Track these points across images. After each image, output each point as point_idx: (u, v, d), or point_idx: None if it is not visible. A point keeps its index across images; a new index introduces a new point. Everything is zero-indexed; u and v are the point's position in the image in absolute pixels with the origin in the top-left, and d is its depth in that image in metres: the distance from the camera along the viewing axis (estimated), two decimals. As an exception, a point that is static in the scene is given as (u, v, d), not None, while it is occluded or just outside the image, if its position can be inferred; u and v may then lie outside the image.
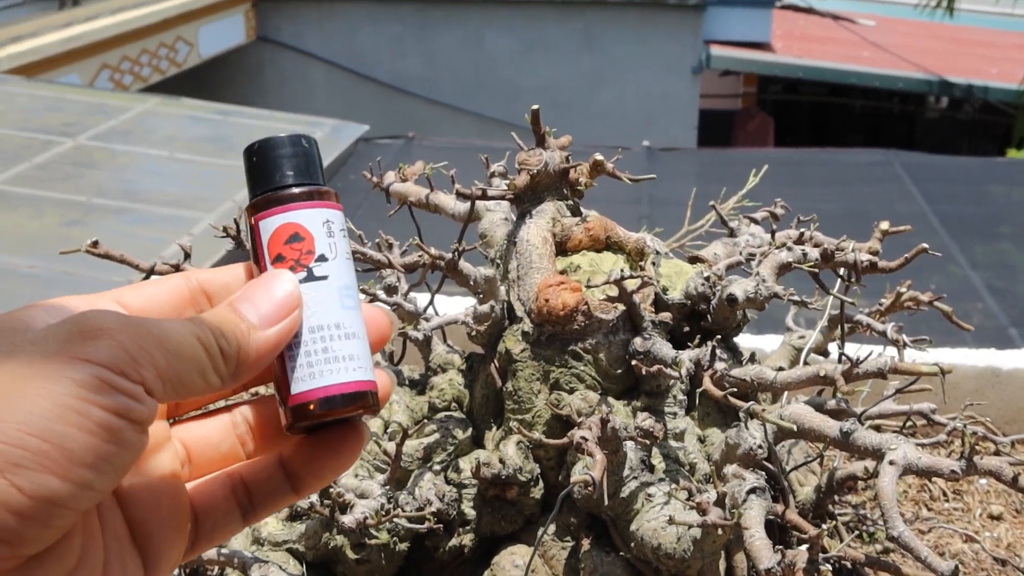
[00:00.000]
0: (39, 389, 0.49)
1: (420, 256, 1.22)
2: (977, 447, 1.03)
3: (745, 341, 1.79)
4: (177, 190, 4.62)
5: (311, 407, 0.60)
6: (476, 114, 10.54)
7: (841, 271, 1.30)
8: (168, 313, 0.60)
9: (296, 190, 0.61)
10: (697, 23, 10.71)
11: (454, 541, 1.21)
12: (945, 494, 1.65)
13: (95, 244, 1.34)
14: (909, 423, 1.41)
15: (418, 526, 1.15)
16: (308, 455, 0.61)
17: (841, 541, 1.41)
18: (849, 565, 1.42)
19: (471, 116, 10.58)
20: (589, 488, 0.98)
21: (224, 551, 1.20)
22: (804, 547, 0.93)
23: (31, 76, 6.62)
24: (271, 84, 10.34)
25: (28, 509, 0.48)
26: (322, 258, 0.61)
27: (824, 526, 1.00)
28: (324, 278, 0.61)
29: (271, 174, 0.62)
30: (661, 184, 4.89)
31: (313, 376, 0.60)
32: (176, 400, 0.56)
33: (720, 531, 1.02)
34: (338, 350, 0.61)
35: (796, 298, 1.22)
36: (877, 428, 1.74)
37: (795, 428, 1.09)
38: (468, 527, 1.22)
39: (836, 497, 1.57)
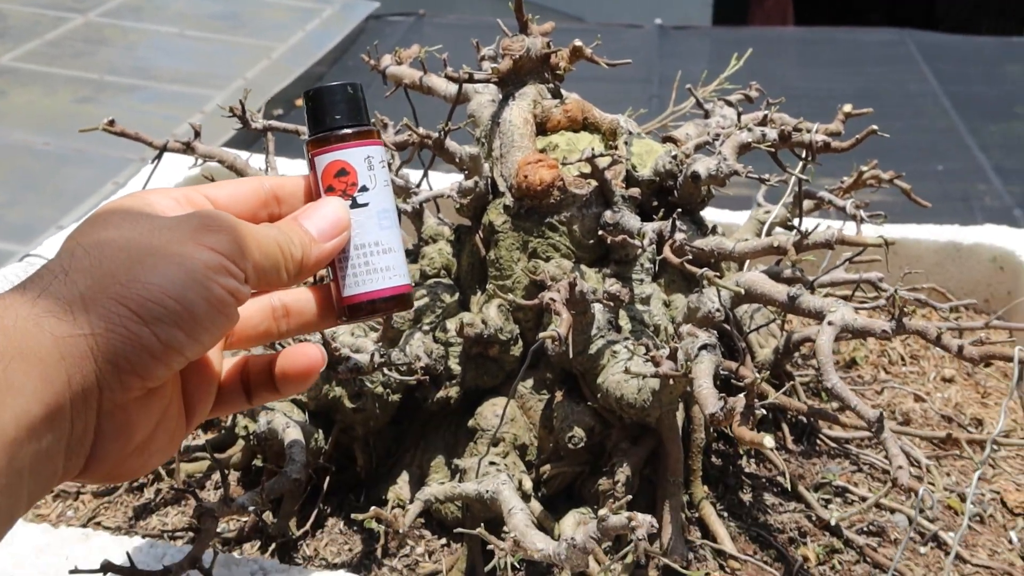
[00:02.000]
0: (178, 263, 0.64)
1: (409, 135, 1.33)
2: (907, 310, 1.15)
3: (723, 217, 1.91)
4: (188, 67, 4.65)
5: (360, 308, 0.78)
6: (488, -10, 10.41)
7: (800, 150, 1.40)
8: (247, 209, 0.77)
9: (342, 131, 0.78)
10: None
11: (441, 393, 1.35)
12: (903, 359, 1.78)
13: (111, 123, 1.45)
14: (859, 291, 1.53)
15: (408, 379, 1.29)
16: (280, 366, 0.79)
17: (799, 399, 1.55)
18: (804, 420, 1.56)
19: (483, -8, 10.45)
20: (556, 343, 1.11)
21: (235, 400, 1.35)
22: (742, 394, 1.05)
23: (40, -49, 6.57)
24: (281, -41, 10.20)
25: (160, 353, 0.63)
26: (364, 188, 0.79)
27: (759, 377, 1.12)
28: (365, 205, 0.79)
29: (323, 117, 0.79)
30: (673, 63, 4.91)
31: (358, 284, 0.78)
32: (258, 288, 0.72)
33: (673, 382, 1.15)
34: (377, 263, 0.78)
35: (755, 175, 1.32)
36: (847, 299, 1.86)
37: (743, 292, 1.21)
38: (454, 381, 1.35)
39: (798, 360, 1.70)
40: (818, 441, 1.54)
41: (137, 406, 0.64)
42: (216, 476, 1.46)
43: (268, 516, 1.34)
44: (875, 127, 1.35)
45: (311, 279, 0.99)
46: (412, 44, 1.63)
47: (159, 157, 1.50)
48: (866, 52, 5.25)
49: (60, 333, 0.59)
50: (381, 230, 0.79)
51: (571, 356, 1.25)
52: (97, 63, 4.52)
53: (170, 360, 0.63)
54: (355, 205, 0.78)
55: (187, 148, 1.49)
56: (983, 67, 5.00)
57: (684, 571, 1.01)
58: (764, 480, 1.46)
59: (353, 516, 1.20)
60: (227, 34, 5.04)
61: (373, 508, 1.14)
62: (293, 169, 2.03)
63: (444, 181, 1.95)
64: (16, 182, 3.43)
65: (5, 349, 0.57)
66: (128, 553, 1.04)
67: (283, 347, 1.22)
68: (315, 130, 0.78)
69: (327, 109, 0.78)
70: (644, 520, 0.96)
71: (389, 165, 1.46)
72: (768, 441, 1.00)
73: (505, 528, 1.12)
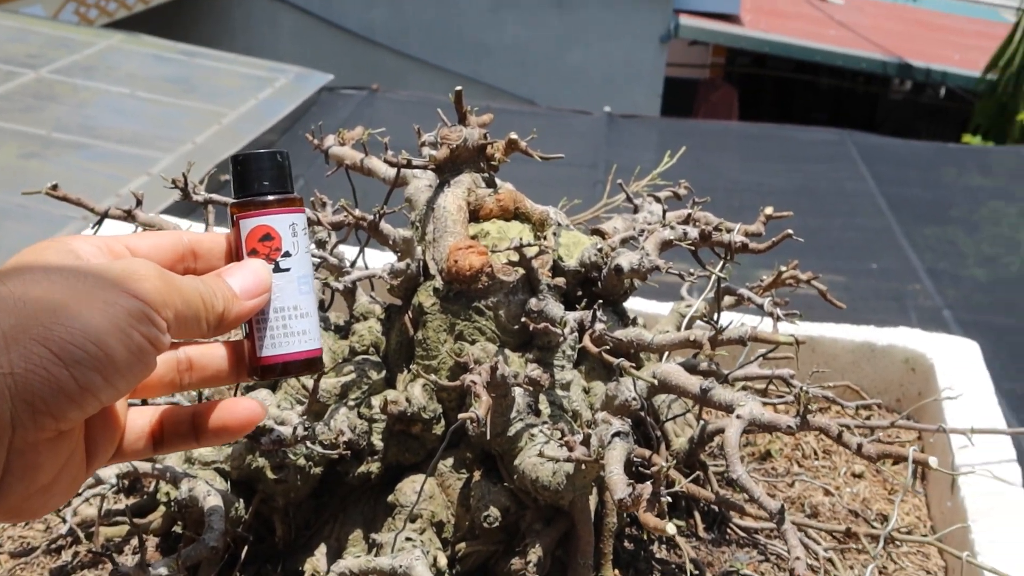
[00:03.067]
0: (101, 308, 0.65)
1: (345, 216, 1.38)
2: (812, 408, 1.21)
3: (649, 307, 1.97)
4: (137, 128, 4.67)
5: (273, 368, 0.80)
6: (443, 69, 10.59)
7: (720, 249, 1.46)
8: (165, 262, 0.77)
9: (269, 198, 0.81)
10: (668, -8, 10.78)
11: (363, 468, 1.38)
12: (816, 453, 1.83)
13: (55, 187, 1.48)
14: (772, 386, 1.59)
15: (331, 452, 1.32)
16: (217, 417, 0.81)
17: (712, 488, 1.60)
18: (716, 508, 1.61)
19: (437, 71, 10.62)
20: (475, 424, 1.15)
21: (158, 467, 1.36)
22: (649, 482, 1.10)
23: (-4, 5, 6.59)
24: (238, 26, 10.31)
25: (77, 396, 0.64)
26: (287, 254, 0.81)
27: (666, 466, 1.17)
28: (287, 270, 0.81)
29: (251, 182, 0.81)
30: (620, 151, 5.03)
31: (275, 346, 0.80)
32: (177, 337, 0.72)
33: (585, 467, 1.19)
34: (294, 327, 0.81)
35: (676, 272, 1.38)
36: (763, 393, 1.92)
37: (656, 383, 1.26)
38: (376, 456, 1.38)
39: (713, 449, 1.75)
40: (728, 530, 1.59)
41: (47, 447, 0.65)
42: (135, 541, 1.46)
43: (184, 583, 1.35)
44: (790, 231, 1.42)
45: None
46: (364, 117, 1.69)
47: (100, 223, 1.53)
48: (807, 150, 5.42)
49: None
50: (300, 295, 0.81)
51: (490, 437, 1.29)
52: (45, 119, 4.53)
53: (85, 403, 0.64)
54: (277, 269, 0.80)
55: (128, 216, 1.52)
56: (920, 171, 5.17)
57: (585, 652, 1.05)
58: (674, 566, 1.49)
59: (267, 586, 1.22)
60: (178, 98, 5.08)
61: (287, 579, 1.16)
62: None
63: (379, 258, 1.99)
64: (-43, 234, 3.41)
65: None
66: (39, 615, 1.05)
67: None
68: (241, 194, 0.81)
69: (255, 175, 0.81)
70: (548, 601, 1.00)
71: (324, 243, 1.50)
72: (670, 529, 1.04)
73: (416, 604, 1.14)
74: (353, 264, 1.54)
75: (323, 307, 1.62)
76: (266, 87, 5.28)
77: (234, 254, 0.81)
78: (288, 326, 0.81)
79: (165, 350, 0.70)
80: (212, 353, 0.82)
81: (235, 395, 1.42)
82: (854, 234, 4.21)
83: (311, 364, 0.82)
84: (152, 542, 1.46)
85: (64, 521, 1.34)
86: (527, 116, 5.88)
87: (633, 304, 1.91)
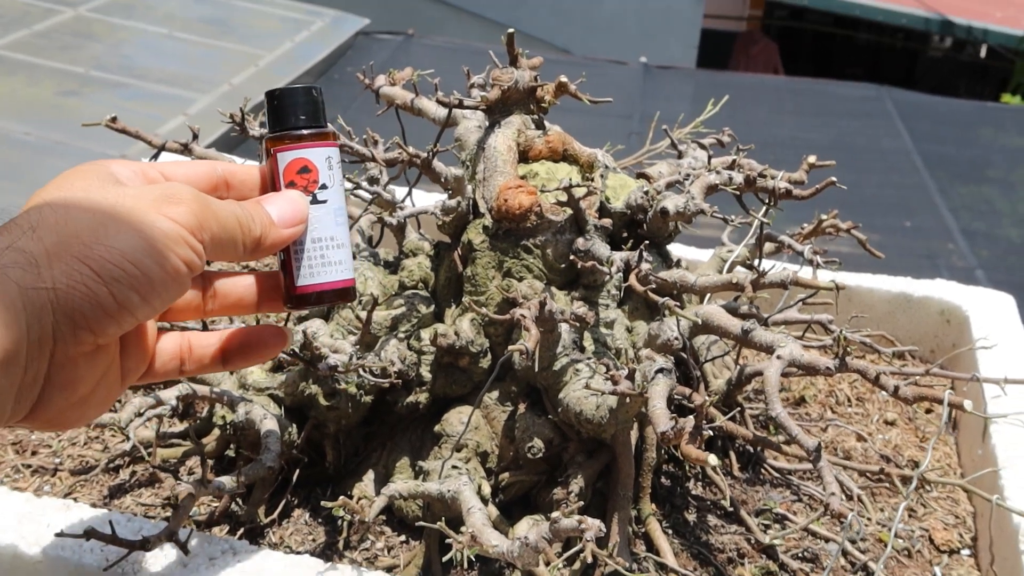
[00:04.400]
0: (139, 230, 0.69)
1: (399, 153, 1.41)
2: (850, 351, 1.24)
3: (690, 253, 2.00)
4: (175, 69, 4.70)
5: (309, 296, 0.84)
6: (479, 16, 10.53)
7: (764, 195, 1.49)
8: (199, 189, 0.79)
9: (306, 132, 0.84)
10: (706, -59, 10.63)
11: (411, 398, 1.43)
12: (850, 400, 1.87)
13: (114, 119, 1.52)
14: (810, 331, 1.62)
15: (381, 381, 1.36)
16: (244, 343, 0.85)
17: (748, 428, 1.64)
18: (751, 449, 1.65)
19: (474, 17, 10.56)
20: (523, 356, 1.19)
21: (216, 390, 1.41)
22: (691, 416, 1.14)
23: (36, -58, 6.60)
24: (274, -31, 10.26)
25: (115, 312, 0.68)
26: (323, 186, 0.86)
27: (708, 400, 1.21)
28: (324, 202, 0.85)
29: (287, 116, 0.84)
30: (655, 102, 5.02)
31: (312, 275, 0.83)
32: (213, 259, 0.76)
33: (629, 401, 1.23)
34: (331, 257, 0.84)
35: (720, 216, 1.41)
36: (800, 339, 1.95)
37: (700, 323, 1.29)
38: (424, 387, 1.43)
39: (750, 393, 1.79)
40: (763, 470, 1.63)
41: (85, 361, 0.70)
42: (189, 462, 1.52)
43: (235, 504, 1.41)
44: (834, 179, 1.44)
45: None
46: (399, 63, 1.72)
47: (156, 156, 1.57)
48: (844, 105, 5.37)
49: (24, 284, 0.63)
50: (336, 226, 0.85)
51: (536, 370, 1.33)
52: (84, 57, 4.56)
53: (122, 319, 0.68)
54: (315, 201, 0.84)
55: (184, 149, 1.56)
56: (957, 129, 5.12)
57: (628, 573, 1.09)
58: (709, 503, 1.54)
59: (323, 503, 1.27)
60: (215, 39, 5.10)
61: (341, 497, 1.21)
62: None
63: (426, 199, 2.03)
64: (-5, 171, 3.47)
65: None
66: (111, 522, 1.10)
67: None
68: (278, 128, 0.83)
69: (291, 109, 0.83)
70: (593, 524, 1.04)
71: (376, 180, 1.54)
72: (712, 459, 1.08)
73: (463, 528, 1.19)
74: (403, 201, 1.58)
75: (372, 243, 1.66)
76: (302, 30, 5.29)
77: (270, 186, 0.84)
78: (325, 256, 0.84)
79: (200, 271, 0.73)
80: (236, 282, 0.86)
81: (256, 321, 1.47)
82: (889, 191, 4.20)
83: (345, 293, 0.86)
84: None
85: (128, 438, 1.39)
86: (563, 65, 5.87)
87: (674, 249, 1.94)
